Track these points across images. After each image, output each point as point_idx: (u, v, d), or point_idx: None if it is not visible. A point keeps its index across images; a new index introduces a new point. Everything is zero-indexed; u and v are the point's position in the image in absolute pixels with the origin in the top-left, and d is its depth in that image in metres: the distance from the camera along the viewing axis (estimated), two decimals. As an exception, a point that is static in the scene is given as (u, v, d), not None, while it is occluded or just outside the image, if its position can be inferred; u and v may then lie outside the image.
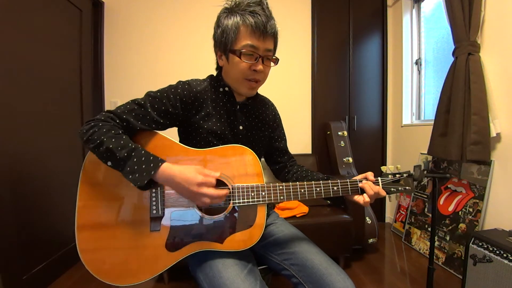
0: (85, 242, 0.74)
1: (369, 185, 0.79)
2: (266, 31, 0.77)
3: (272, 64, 0.84)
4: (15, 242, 1.42)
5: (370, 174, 0.82)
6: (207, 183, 0.69)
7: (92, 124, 0.72)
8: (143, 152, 0.71)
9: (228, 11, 0.79)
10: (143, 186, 0.68)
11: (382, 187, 0.81)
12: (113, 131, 0.71)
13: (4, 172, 1.38)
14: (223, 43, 0.80)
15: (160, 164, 0.69)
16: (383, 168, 0.85)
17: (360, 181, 0.81)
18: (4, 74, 1.39)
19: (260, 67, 0.79)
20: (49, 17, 1.72)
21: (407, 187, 0.82)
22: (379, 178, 0.83)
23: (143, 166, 0.68)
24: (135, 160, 0.69)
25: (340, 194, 0.80)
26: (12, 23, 1.44)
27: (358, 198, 0.80)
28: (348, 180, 0.81)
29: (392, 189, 0.82)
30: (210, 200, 0.70)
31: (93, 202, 0.75)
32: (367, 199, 0.79)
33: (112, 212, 0.75)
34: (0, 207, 1.35)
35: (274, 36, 0.81)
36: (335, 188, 0.80)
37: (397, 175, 0.83)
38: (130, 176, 0.68)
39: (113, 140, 0.69)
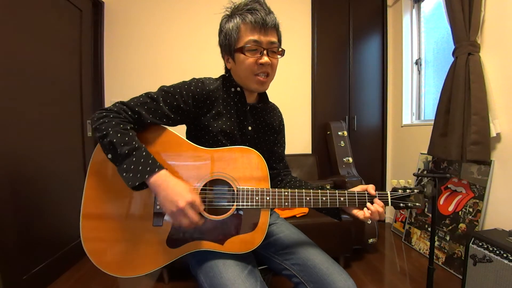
0: (89, 231, 0.75)
1: (376, 210, 0.76)
2: (267, 24, 0.78)
3: (278, 56, 0.85)
4: (15, 242, 1.42)
5: (371, 188, 0.79)
6: (195, 206, 0.68)
7: (104, 114, 0.72)
8: (144, 153, 0.70)
9: (228, 16, 0.82)
10: (134, 187, 0.68)
11: (391, 201, 0.79)
12: (121, 125, 0.71)
13: (4, 172, 1.37)
14: (227, 45, 0.82)
15: (157, 170, 0.69)
16: (393, 182, 0.82)
17: (370, 197, 0.78)
18: (4, 74, 1.39)
19: (265, 59, 0.79)
20: (49, 17, 1.72)
21: (417, 204, 0.79)
22: (388, 192, 0.80)
23: (140, 168, 0.68)
24: (134, 159, 0.68)
25: (347, 205, 0.79)
26: (12, 23, 1.44)
27: (358, 213, 0.78)
28: (355, 192, 0.79)
29: (402, 205, 0.80)
30: (188, 223, 0.68)
31: (99, 193, 0.76)
32: (368, 214, 0.76)
33: (117, 203, 0.76)
34: (0, 207, 1.34)
35: (276, 29, 0.82)
36: (342, 198, 0.78)
37: (408, 191, 0.80)
38: (124, 174, 0.68)
39: (119, 135, 0.69)
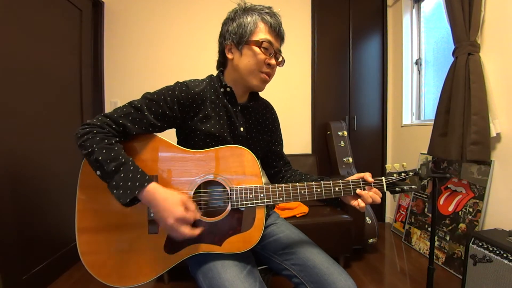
0: (86, 245, 0.74)
1: (367, 193, 0.77)
2: (280, 33, 0.84)
3: (278, 66, 0.87)
4: (15, 242, 1.42)
5: (368, 176, 0.79)
6: (185, 220, 0.67)
7: (87, 129, 0.71)
8: (132, 168, 0.68)
9: (244, 10, 0.83)
10: (126, 204, 0.66)
11: (387, 187, 0.79)
12: (106, 141, 0.69)
13: (4, 172, 1.37)
14: (239, 34, 0.81)
15: (146, 184, 0.67)
16: (388, 167, 0.81)
17: (364, 184, 0.78)
18: (4, 74, 1.39)
19: (274, 61, 0.83)
20: (49, 17, 1.72)
21: (413, 186, 0.79)
22: (383, 178, 0.79)
23: (129, 184, 0.66)
24: (122, 175, 0.67)
25: (342, 195, 0.79)
26: (12, 23, 1.44)
27: (354, 203, 0.79)
28: (350, 181, 0.78)
29: (397, 189, 0.79)
30: (180, 237, 0.67)
31: (92, 205, 0.75)
32: (362, 204, 0.77)
33: (111, 215, 0.75)
34: (0, 207, 1.34)
35: (282, 41, 0.87)
36: (337, 188, 0.78)
37: (403, 174, 0.79)
38: (115, 191, 0.67)
39: (104, 151, 0.67)
